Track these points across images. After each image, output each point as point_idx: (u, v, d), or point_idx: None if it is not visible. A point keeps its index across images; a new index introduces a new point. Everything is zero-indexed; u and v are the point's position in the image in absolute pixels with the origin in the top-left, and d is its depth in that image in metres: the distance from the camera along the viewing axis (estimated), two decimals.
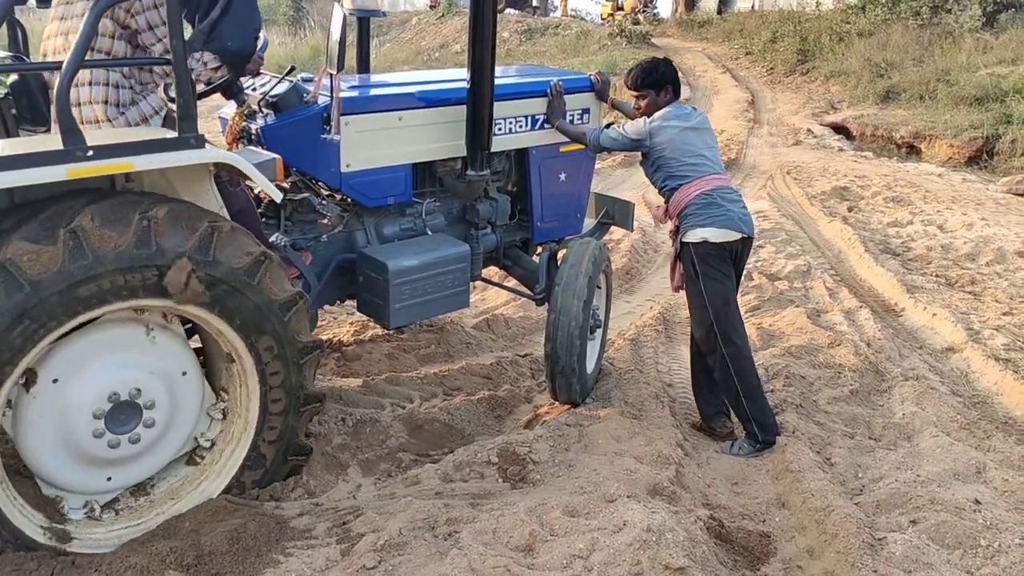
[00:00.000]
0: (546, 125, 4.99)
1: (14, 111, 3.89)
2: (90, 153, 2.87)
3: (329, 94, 4.00)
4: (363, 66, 5.50)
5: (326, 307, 5.36)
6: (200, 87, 3.77)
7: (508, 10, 29.23)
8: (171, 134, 3.21)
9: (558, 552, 3.09)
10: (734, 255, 4.54)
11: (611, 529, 3.22)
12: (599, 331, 5.16)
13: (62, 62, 2.91)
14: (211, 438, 3.52)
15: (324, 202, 4.33)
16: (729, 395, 4.60)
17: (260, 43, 3.94)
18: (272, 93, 4.12)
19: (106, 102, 3.64)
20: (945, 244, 8.60)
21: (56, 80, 2.93)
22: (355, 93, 4.45)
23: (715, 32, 26.61)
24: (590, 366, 4.96)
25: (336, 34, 3.80)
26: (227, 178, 3.59)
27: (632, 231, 6.65)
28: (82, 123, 3.37)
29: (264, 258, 3.27)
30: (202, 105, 3.60)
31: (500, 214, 5.01)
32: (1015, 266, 7.88)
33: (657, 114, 4.51)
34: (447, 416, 4.61)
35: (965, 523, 3.60)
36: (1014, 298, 7.00)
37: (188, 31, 3.29)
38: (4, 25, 3.87)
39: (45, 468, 3.08)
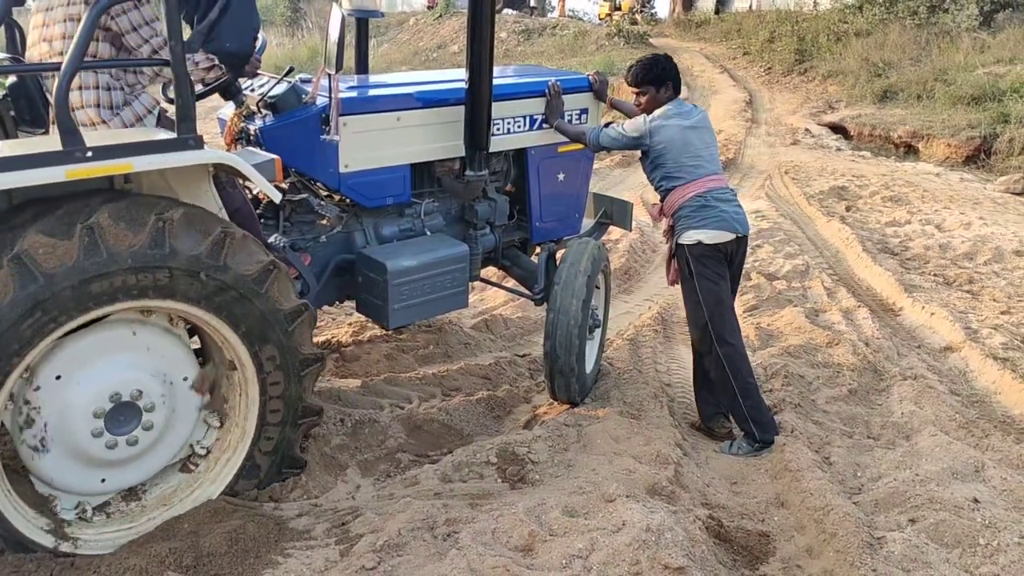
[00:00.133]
0: (544, 125, 4.99)
1: (12, 113, 3.90)
2: (89, 154, 2.88)
3: (328, 95, 4.00)
4: (361, 67, 5.50)
5: (325, 308, 5.35)
6: (199, 88, 3.77)
7: (506, 10, 29.22)
8: (169, 135, 3.22)
9: (557, 552, 3.09)
10: (729, 255, 4.54)
11: (610, 529, 3.22)
12: (598, 331, 5.17)
13: (60, 64, 2.91)
14: (207, 446, 3.51)
15: (323, 203, 4.33)
16: (726, 395, 4.60)
17: (259, 44, 3.94)
18: (271, 94, 4.12)
19: (99, 105, 3.65)
20: (943, 243, 8.61)
21: (54, 82, 2.93)
22: (354, 94, 4.45)
23: (713, 32, 26.62)
24: (589, 366, 4.96)
25: (334, 35, 3.80)
26: (225, 179, 3.59)
27: (631, 231, 6.65)
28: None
29: (273, 267, 3.30)
30: (200, 106, 3.60)
31: (499, 214, 5.02)
32: (1013, 265, 7.90)
33: (657, 112, 4.51)
34: (446, 416, 4.61)
35: (964, 522, 3.61)
36: (1012, 297, 7.01)
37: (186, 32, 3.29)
38: (2, 27, 3.88)
39: (41, 465, 3.07)
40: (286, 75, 4.30)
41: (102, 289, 2.90)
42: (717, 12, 29.78)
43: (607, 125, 4.74)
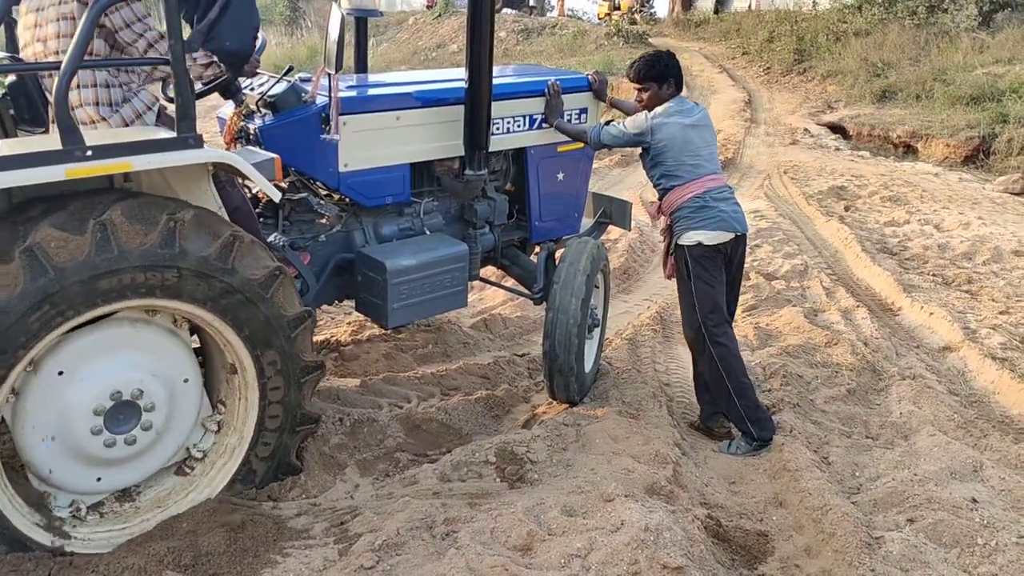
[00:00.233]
0: (544, 125, 5.00)
1: (12, 112, 3.89)
2: (89, 153, 2.89)
3: (327, 94, 4.00)
4: (361, 66, 5.50)
5: (324, 307, 5.35)
6: (198, 86, 3.77)
7: (505, 10, 29.21)
8: (169, 133, 3.22)
9: (556, 552, 3.10)
10: (728, 254, 4.55)
11: (609, 528, 3.22)
12: (597, 330, 5.17)
13: (60, 63, 2.91)
14: (203, 449, 3.52)
15: (322, 202, 4.33)
16: (721, 396, 4.60)
17: (259, 43, 3.94)
18: (270, 93, 4.12)
19: (98, 103, 3.65)
20: (942, 243, 8.62)
21: (52, 81, 2.93)
22: (353, 93, 4.45)
23: (712, 32, 26.62)
24: (588, 365, 4.97)
25: (334, 34, 3.80)
26: (224, 178, 3.60)
27: (630, 230, 6.65)
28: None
29: (279, 273, 3.33)
30: (200, 105, 3.60)
31: (498, 214, 5.02)
32: (1011, 265, 7.90)
33: (659, 109, 4.51)
34: (445, 416, 4.62)
35: (962, 522, 3.61)
36: (1010, 297, 7.01)
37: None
38: (2, 26, 3.88)
39: (38, 461, 3.07)
40: (286, 74, 4.30)
41: (111, 286, 2.93)
42: (716, 12, 29.78)
43: (608, 123, 4.74)
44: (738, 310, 4.98)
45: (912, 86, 15.71)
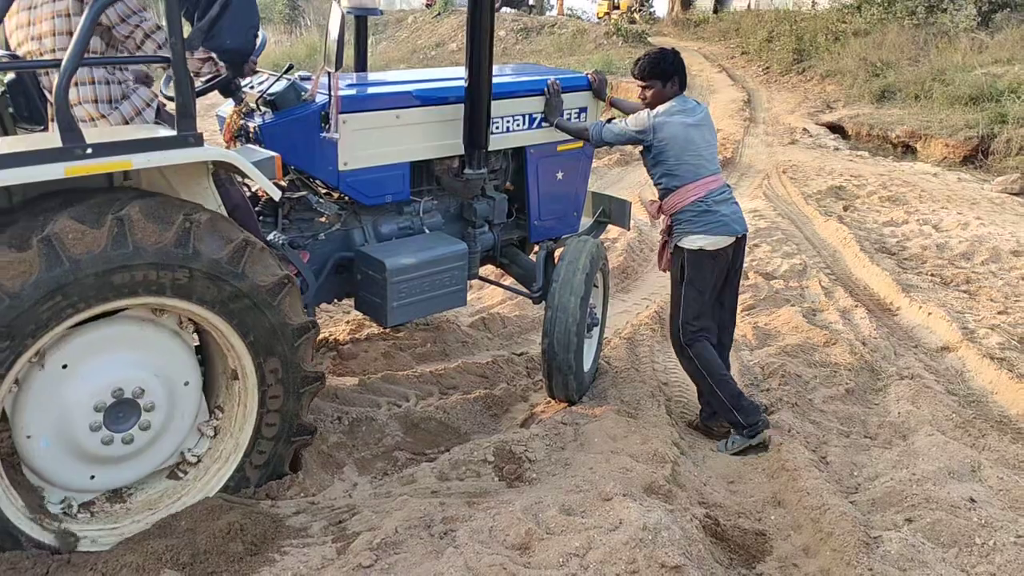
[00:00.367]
0: (544, 124, 5.00)
1: (11, 110, 3.89)
2: (89, 151, 2.89)
3: (327, 92, 4.00)
4: (361, 64, 5.50)
5: (322, 305, 5.35)
6: (198, 84, 3.77)
7: (504, 8, 29.23)
8: (169, 132, 3.22)
9: (554, 550, 3.10)
10: (729, 256, 4.56)
11: (607, 527, 3.22)
12: (596, 329, 5.17)
13: (59, 61, 2.91)
14: (198, 454, 3.52)
15: (322, 200, 4.33)
16: (705, 391, 4.69)
17: (259, 42, 3.94)
18: (270, 91, 4.12)
19: (96, 100, 3.65)
20: (940, 243, 8.62)
21: (51, 79, 2.93)
22: (353, 91, 4.45)
23: (711, 31, 26.64)
24: (587, 364, 4.97)
25: (334, 33, 3.80)
26: (224, 176, 3.60)
27: (629, 230, 6.66)
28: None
29: (287, 281, 3.36)
30: (199, 103, 3.60)
31: (497, 212, 5.02)
32: (1010, 265, 7.91)
33: (661, 108, 4.51)
34: (443, 415, 4.62)
35: (960, 521, 3.62)
36: (1009, 297, 7.02)
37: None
38: (2, 25, 3.87)
39: (35, 455, 3.07)
40: (286, 72, 4.30)
41: (123, 281, 2.96)
42: (715, 11, 29.80)
43: (609, 121, 4.74)
44: (737, 309, 4.99)
45: (911, 86, 15.71)
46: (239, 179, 3.77)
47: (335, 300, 4.81)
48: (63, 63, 2.86)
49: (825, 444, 4.58)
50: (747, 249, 4.88)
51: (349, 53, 5.24)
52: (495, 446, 4.11)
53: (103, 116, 3.66)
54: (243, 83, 4.21)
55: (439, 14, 28.44)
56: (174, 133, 3.16)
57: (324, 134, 4.06)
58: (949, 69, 15.73)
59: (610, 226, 5.90)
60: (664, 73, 4.53)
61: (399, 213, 4.65)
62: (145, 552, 3.04)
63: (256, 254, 3.26)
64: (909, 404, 4.99)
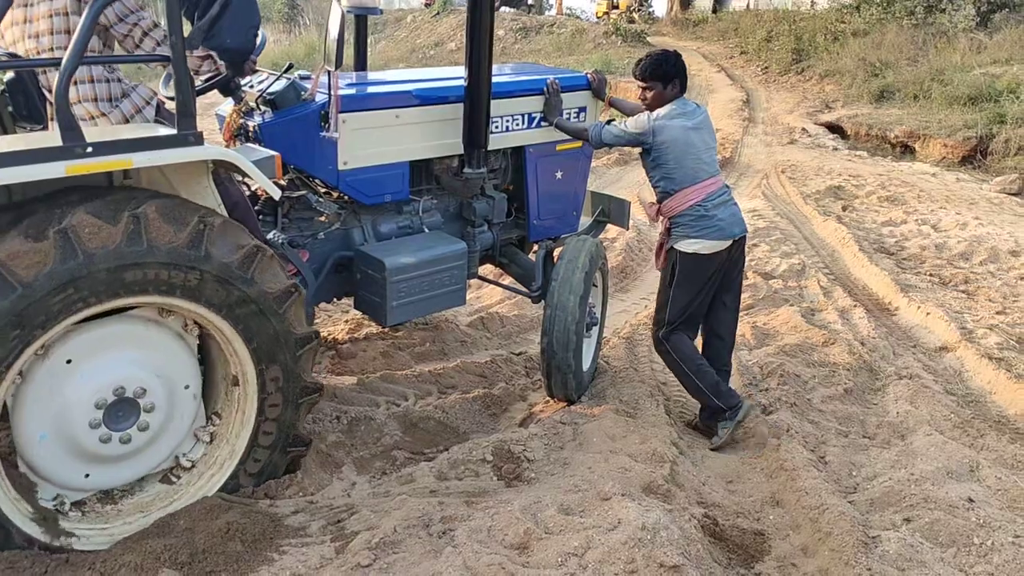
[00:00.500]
0: (543, 123, 5.00)
1: (10, 108, 3.89)
2: (89, 150, 2.90)
3: (327, 91, 4.00)
4: (360, 64, 5.50)
5: (321, 304, 5.35)
6: (197, 83, 3.77)
7: (504, 8, 29.22)
8: (169, 130, 3.22)
9: (553, 550, 3.10)
10: (724, 257, 4.57)
11: (606, 527, 3.22)
12: (595, 329, 5.17)
13: (59, 60, 2.91)
14: (193, 459, 3.52)
15: (321, 199, 4.33)
16: (684, 381, 4.76)
17: (259, 41, 3.94)
18: (270, 90, 4.12)
19: (96, 99, 3.65)
20: (939, 243, 8.63)
21: (51, 78, 2.93)
22: (353, 91, 4.44)
23: (710, 31, 26.66)
24: (586, 364, 4.97)
25: (334, 32, 3.80)
26: (223, 175, 3.60)
27: (628, 229, 6.66)
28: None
29: (294, 290, 3.39)
30: (198, 102, 3.60)
31: (497, 212, 5.01)
32: (1008, 265, 7.91)
33: (662, 111, 4.51)
34: (442, 414, 4.62)
35: (958, 521, 3.62)
36: (1007, 297, 7.03)
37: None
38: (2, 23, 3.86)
39: (32, 449, 3.07)
40: (285, 71, 4.30)
41: (135, 278, 2.98)
42: (714, 11, 29.84)
43: (609, 122, 4.74)
44: (739, 310, 5.00)
45: (910, 86, 15.73)
46: (239, 178, 3.77)
47: (334, 299, 4.81)
48: (63, 62, 2.86)
49: (824, 444, 4.59)
50: (746, 249, 4.89)
51: (348, 52, 5.24)
52: (494, 446, 4.11)
53: (103, 114, 3.66)
54: (243, 82, 4.21)
55: (438, 13, 28.44)
56: (174, 132, 3.16)
57: (324, 133, 4.06)
58: (948, 69, 15.74)
59: (609, 226, 5.90)
60: (665, 75, 4.53)
61: (398, 212, 4.65)
62: (144, 551, 3.04)
63: (266, 261, 3.29)
64: (908, 404, 4.99)
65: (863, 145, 14.55)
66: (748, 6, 28.82)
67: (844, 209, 10.26)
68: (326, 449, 4.07)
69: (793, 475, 4.06)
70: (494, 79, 4.49)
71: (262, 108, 4.13)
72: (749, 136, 14.94)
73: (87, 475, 3.21)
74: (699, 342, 4.86)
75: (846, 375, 5.47)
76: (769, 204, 10.51)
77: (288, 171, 4.20)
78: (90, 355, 3.08)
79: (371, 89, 4.70)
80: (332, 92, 3.94)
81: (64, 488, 3.22)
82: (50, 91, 3.68)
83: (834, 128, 15.46)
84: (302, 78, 4.35)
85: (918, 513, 3.72)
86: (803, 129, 15.24)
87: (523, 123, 4.94)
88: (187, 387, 3.36)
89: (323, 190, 4.42)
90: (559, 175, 5.22)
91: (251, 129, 4.12)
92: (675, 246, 4.58)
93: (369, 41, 5.90)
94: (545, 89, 4.94)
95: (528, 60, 21.13)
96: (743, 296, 6.95)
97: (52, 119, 3.59)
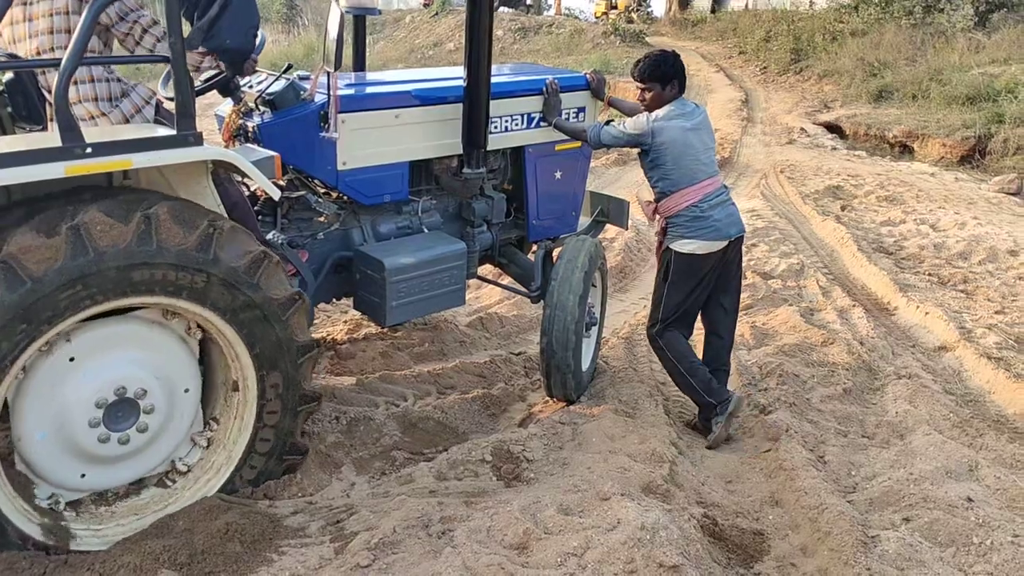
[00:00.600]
0: (542, 123, 5.00)
1: (9, 109, 3.88)
2: (88, 150, 2.90)
3: (326, 92, 4.00)
4: (359, 64, 5.50)
5: (321, 304, 5.35)
6: (197, 83, 3.77)
7: (502, 8, 29.22)
8: (169, 131, 3.23)
9: (552, 550, 3.10)
10: (719, 257, 4.58)
11: (605, 527, 3.22)
12: (595, 329, 5.17)
13: (58, 60, 2.91)
14: (189, 464, 3.52)
15: (321, 200, 4.33)
16: (677, 379, 4.80)
17: (258, 41, 3.94)
18: (269, 91, 4.12)
19: (96, 98, 3.65)
20: (938, 243, 8.63)
21: (51, 78, 2.93)
22: (352, 91, 4.44)
23: (709, 31, 26.68)
24: (585, 364, 4.97)
25: (333, 32, 3.80)
26: (222, 175, 3.60)
27: (627, 229, 6.66)
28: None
29: (298, 298, 3.41)
30: (197, 103, 3.60)
31: (496, 212, 5.01)
32: (1007, 265, 7.92)
33: (661, 112, 4.51)
34: (441, 414, 4.61)
35: (958, 521, 3.62)
36: (1006, 297, 7.03)
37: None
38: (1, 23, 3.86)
39: (31, 447, 3.06)
40: (285, 72, 4.30)
41: (142, 278, 3.00)
42: (713, 11, 29.86)
43: (608, 122, 4.74)
44: (738, 310, 5.00)
45: (908, 86, 15.75)
46: (238, 178, 3.77)
47: (333, 300, 4.81)
48: (63, 62, 2.86)
49: (823, 444, 4.59)
50: (745, 249, 4.90)
51: (347, 53, 5.24)
52: (493, 446, 4.11)
53: (103, 114, 3.66)
54: (242, 82, 4.21)
55: (437, 14, 28.45)
56: (173, 132, 3.16)
57: (323, 133, 4.06)
58: (946, 69, 15.76)
59: (608, 226, 5.90)
60: (664, 76, 4.53)
61: (398, 212, 4.65)
62: (143, 552, 3.04)
63: (272, 267, 3.31)
64: (907, 403, 5.00)
65: (862, 145, 14.56)
66: (747, 6, 28.84)
67: (843, 209, 10.27)
68: (325, 449, 4.07)
69: (792, 475, 4.07)
70: (493, 79, 4.49)
71: (261, 108, 4.13)
72: (748, 136, 14.95)
73: (83, 475, 3.20)
74: (699, 341, 4.86)
75: (845, 375, 5.47)
76: (768, 204, 10.52)
77: (287, 171, 4.20)
78: (94, 353, 3.09)
79: (370, 89, 4.69)
80: (331, 92, 3.94)
81: (60, 487, 3.21)
82: (49, 91, 3.68)
83: (833, 128, 15.47)
84: (301, 78, 4.35)
85: (917, 513, 3.72)
86: (802, 129, 15.25)
87: (522, 123, 4.94)
88: (187, 390, 3.36)
89: (322, 190, 4.42)
90: (558, 175, 5.22)
91: (250, 129, 4.11)
92: (670, 246, 4.60)
93: (368, 41, 5.90)
94: (544, 89, 4.95)
95: (527, 60, 21.14)
96: (742, 296, 6.96)
97: (51, 119, 3.59)
